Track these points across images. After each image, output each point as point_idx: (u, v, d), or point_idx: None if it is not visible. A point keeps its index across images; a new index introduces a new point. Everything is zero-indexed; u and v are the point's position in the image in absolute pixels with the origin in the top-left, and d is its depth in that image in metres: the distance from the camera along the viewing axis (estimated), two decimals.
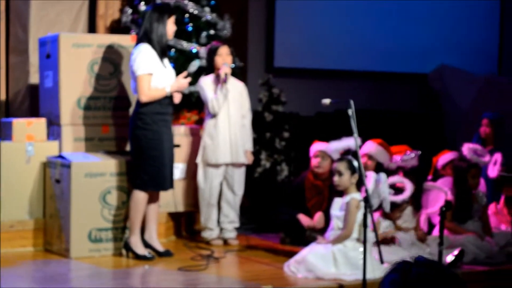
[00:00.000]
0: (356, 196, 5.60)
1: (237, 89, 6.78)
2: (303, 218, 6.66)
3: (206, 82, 6.67)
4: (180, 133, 6.95)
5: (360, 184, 5.58)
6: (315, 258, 5.51)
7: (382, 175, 5.72)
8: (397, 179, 6.14)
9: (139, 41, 6.06)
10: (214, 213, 6.80)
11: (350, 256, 5.48)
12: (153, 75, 5.99)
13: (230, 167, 6.76)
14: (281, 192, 7.40)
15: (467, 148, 6.72)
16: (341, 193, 5.71)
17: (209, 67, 6.74)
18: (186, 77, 6.16)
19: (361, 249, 5.40)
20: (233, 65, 6.65)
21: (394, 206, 6.06)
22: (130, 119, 6.15)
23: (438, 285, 1.99)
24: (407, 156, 6.59)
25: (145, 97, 5.95)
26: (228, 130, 6.67)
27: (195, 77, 7.15)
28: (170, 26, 6.12)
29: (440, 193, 6.54)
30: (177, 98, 6.18)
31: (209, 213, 6.78)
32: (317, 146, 6.80)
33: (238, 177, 6.81)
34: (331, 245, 5.56)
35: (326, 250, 5.54)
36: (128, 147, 6.52)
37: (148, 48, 5.99)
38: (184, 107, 7.30)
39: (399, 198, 6.06)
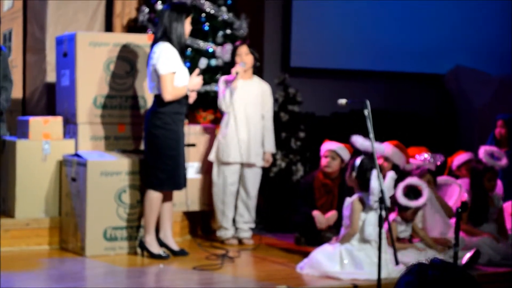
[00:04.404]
0: (359, 195, 5.63)
1: (258, 89, 6.82)
2: (317, 217, 6.64)
3: (222, 81, 6.74)
4: (196, 132, 6.97)
5: (367, 184, 5.56)
6: (322, 255, 5.59)
7: (391, 173, 5.72)
8: (415, 181, 6.10)
9: (158, 40, 6.06)
10: (229, 212, 6.82)
11: (355, 256, 5.52)
12: (175, 74, 6.01)
13: (244, 166, 6.79)
14: (294, 192, 7.40)
15: (483, 152, 6.69)
16: (352, 193, 5.76)
17: (231, 66, 6.79)
18: (198, 74, 6.19)
19: (367, 249, 5.51)
20: (243, 64, 6.65)
21: (408, 209, 6.07)
22: (146, 118, 6.15)
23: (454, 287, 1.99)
24: (423, 160, 6.57)
25: (170, 96, 5.95)
26: (243, 129, 6.68)
27: (210, 77, 7.18)
28: (187, 26, 6.15)
29: (454, 188, 6.53)
30: (192, 98, 6.21)
31: (224, 211, 6.80)
32: (327, 146, 6.81)
33: (251, 178, 6.82)
34: (339, 244, 5.62)
35: (334, 249, 5.61)
36: (143, 146, 6.55)
37: (170, 47, 6.00)
38: (200, 106, 7.34)
39: (413, 203, 6.02)
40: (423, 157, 6.60)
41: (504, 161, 6.71)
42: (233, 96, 6.64)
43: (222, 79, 6.76)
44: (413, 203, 5.99)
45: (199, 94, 7.11)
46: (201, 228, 7.18)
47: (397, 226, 6.08)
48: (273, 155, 7.58)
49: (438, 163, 6.61)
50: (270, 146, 6.86)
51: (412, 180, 6.07)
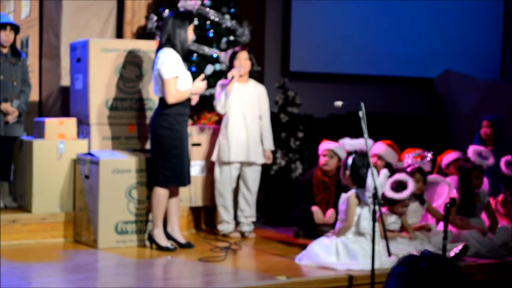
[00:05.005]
0: (355, 191, 5.77)
1: (254, 92, 6.93)
2: (316, 213, 6.80)
3: (219, 84, 6.90)
4: (200, 132, 7.10)
5: (362, 181, 5.72)
6: (319, 247, 5.74)
7: (385, 170, 5.89)
8: (403, 176, 6.24)
9: (162, 45, 6.15)
10: (230, 207, 6.95)
11: (350, 248, 5.65)
12: (178, 78, 6.12)
13: (244, 165, 6.92)
14: (293, 188, 7.52)
15: (472, 151, 6.85)
16: (348, 190, 5.91)
17: (230, 71, 6.91)
18: (203, 79, 6.30)
19: (361, 242, 5.66)
20: (238, 69, 6.76)
21: (396, 201, 6.22)
22: (152, 119, 6.22)
23: (444, 278, 2.02)
24: (415, 158, 6.79)
25: (173, 99, 6.07)
26: (242, 130, 6.81)
27: (214, 81, 7.29)
28: (190, 33, 6.24)
29: (444, 186, 6.71)
30: (194, 100, 6.31)
31: (226, 206, 6.93)
32: (325, 145, 6.92)
33: (252, 175, 6.95)
34: (335, 237, 5.77)
35: (330, 241, 5.75)
36: (149, 146, 6.61)
37: (173, 52, 6.10)
38: (205, 108, 7.45)
39: (398, 195, 6.16)
40: (412, 154, 6.77)
41: (491, 160, 6.87)
42: (228, 98, 6.74)
43: (219, 82, 6.89)
44: (397, 196, 6.13)
45: (205, 96, 7.22)
46: (205, 223, 7.27)
47: (386, 218, 6.21)
48: (274, 154, 7.66)
49: (427, 159, 6.75)
50: (269, 144, 6.97)
51: (399, 176, 6.20)
